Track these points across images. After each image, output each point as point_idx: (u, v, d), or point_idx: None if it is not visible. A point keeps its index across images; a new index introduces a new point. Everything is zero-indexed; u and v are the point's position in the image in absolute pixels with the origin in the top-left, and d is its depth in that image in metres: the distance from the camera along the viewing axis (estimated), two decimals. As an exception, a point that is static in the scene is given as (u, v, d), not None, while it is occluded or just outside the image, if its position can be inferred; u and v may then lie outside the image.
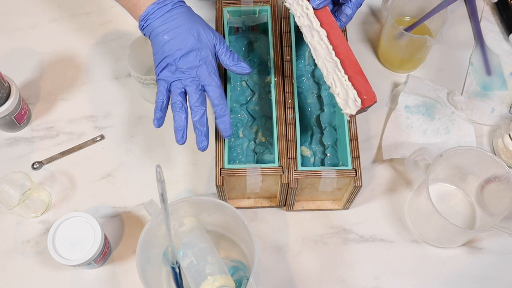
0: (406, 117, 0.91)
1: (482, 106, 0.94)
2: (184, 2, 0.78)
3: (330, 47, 0.71)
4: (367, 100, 0.69)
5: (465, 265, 0.84)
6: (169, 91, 0.76)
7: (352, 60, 0.71)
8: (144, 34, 0.77)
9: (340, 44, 0.71)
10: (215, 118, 0.76)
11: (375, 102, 0.70)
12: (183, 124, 0.75)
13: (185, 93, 0.76)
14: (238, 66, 0.77)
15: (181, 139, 0.75)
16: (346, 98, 0.70)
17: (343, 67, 0.71)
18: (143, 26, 0.76)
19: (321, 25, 0.72)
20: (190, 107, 0.75)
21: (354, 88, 0.70)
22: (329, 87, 0.73)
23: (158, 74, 0.76)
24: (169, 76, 0.75)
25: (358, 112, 0.70)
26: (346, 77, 0.70)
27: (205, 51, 0.75)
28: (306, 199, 0.86)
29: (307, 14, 0.73)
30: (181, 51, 0.74)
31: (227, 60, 0.77)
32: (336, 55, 0.71)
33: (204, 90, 0.76)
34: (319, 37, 0.72)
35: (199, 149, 0.76)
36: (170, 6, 0.75)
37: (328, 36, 0.72)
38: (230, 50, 0.77)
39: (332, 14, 0.74)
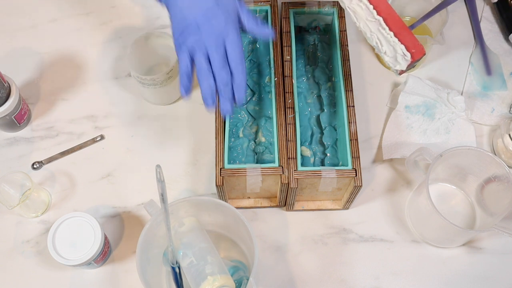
0: (406, 117, 0.91)
1: (482, 106, 0.94)
2: None
3: (371, 6, 0.73)
4: (416, 53, 0.70)
5: (465, 265, 0.84)
6: (190, 56, 0.71)
7: (395, 16, 0.72)
8: (160, 1, 0.73)
9: (380, 3, 0.73)
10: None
11: (424, 54, 0.71)
12: (211, 90, 0.70)
13: (207, 55, 0.71)
14: (262, 30, 0.74)
15: (212, 105, 0.71)
16: (394, 55, 0.72)
17: (387, 25, 0.72)
18: None
19: None
20: (213, 70, 0.70)
21: (402, 43, 0.71)
22: (375, 48, 0.73)
23: (177, 39, 0.71)
24: (189, 39, 0.70)
25: (408, 67, 0.71)
26: (392, 33, 0.71)
27: (226, 10, 0.70)
28: (306, 199, 0.86)
29: None
30: (201, 11, 0.69)
31: (251, 24, 0.73)
32: (378, 13, 0.72)
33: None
34: None
35: (222, 114, 0.72)
36: None
37: None
38: (253, 14, 0.74)
39: None
